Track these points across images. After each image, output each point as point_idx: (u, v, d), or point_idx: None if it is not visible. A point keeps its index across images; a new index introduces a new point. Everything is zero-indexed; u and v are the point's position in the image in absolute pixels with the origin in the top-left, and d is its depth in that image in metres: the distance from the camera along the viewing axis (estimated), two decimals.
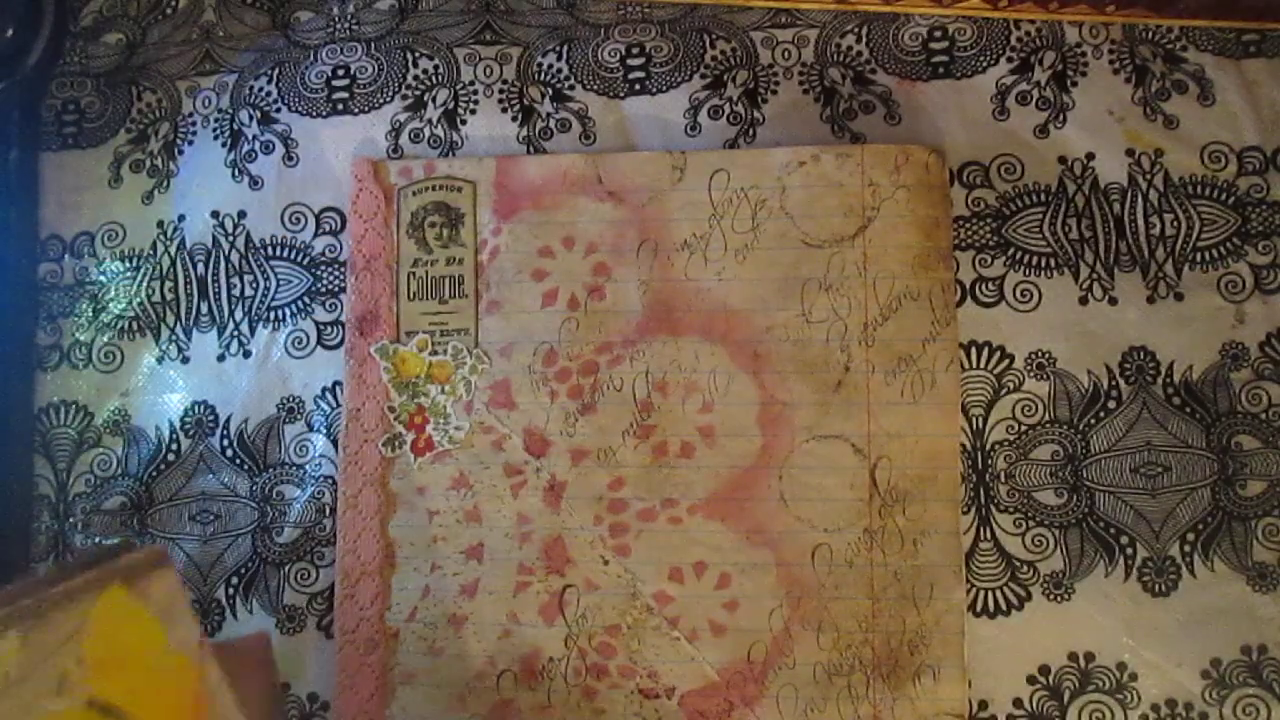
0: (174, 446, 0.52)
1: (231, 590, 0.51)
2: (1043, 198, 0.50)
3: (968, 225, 0.50)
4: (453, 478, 0.50)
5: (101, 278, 0.54)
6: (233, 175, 0.54)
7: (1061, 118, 0.50)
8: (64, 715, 0.33)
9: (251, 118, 0.54)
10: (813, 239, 0.49)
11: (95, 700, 0.33)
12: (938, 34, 0.51)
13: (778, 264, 0.49)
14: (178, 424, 0.53)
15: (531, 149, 0.52)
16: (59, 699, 0.33)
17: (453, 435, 0.50)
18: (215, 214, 0.54)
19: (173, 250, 0.54)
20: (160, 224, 0.54)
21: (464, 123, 0.53)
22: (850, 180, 0.49)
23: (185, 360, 0.53)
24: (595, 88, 0.52)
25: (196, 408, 0.53)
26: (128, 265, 0.54)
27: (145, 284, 0.54)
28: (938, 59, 0.51)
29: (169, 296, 0.54)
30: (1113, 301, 0.49)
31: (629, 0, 0.53)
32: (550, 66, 0.53)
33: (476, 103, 0.53)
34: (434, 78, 0.53)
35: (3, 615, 0.32)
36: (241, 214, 0.53)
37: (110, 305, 0.54)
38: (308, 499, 0.51)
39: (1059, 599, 0.47)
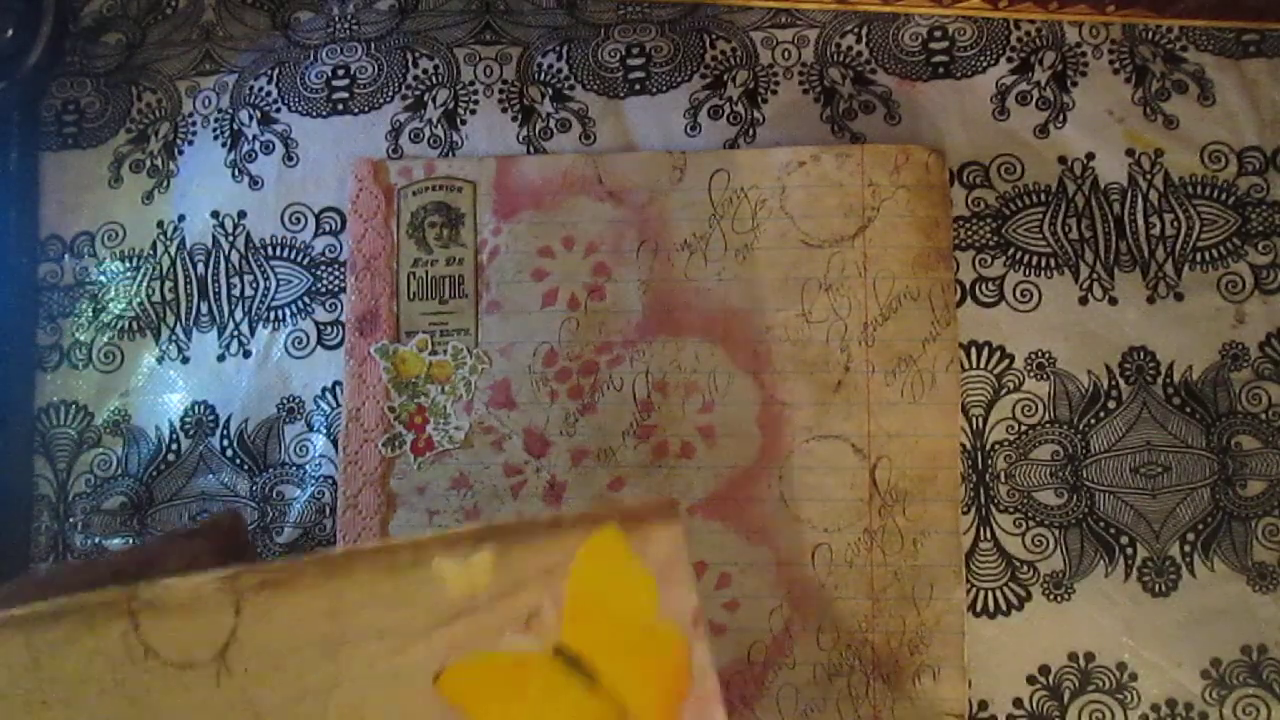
0: (174, 446, 0.53)
1: None
2: (1043, 198, 0.50)
3: (968, 225, 0.50)
4: (453, 478, 0.50)
5: (101, 278, 0.54)
6: (233, 175, 0.54)
7: (1061, 118, 0.50)
8: (527, 657, 0.30)
9: (251, 118, 0.54)
10: (813, 239, 0.49)
11: (563, 649, 0.30)
12: (938, 34, 0.51)
13: (778, 264, 0.49)
14: (178, 424, 0.53)
15: (531, 149, 0.52)
16: (525, 636, 0.30)
17: (453, 435, 0.50)
18: (215, 214, 0.54)
19: (173, 250, 0.54)
20: (160, 224, 0.54)
21: (464, 123, 0.53)
22: (850, 180, 0.49)
23: (185, 360, 0.53)
24: (595, 88, 0.52)
25: (196, 408, 0.53)
26: (128, 265, 0.54)
27: (145, 284, 0.54)
28: (938, 59, 0.51)
29: (169, 296, 0.54)
30: (1113, 301, 0.49)
31: (629, 0, 0.53)
32: (550, 66, 0.53)
33: (476, 103, 0.53)
34: (434, 78, 0.53)
35: (478, 530, 0.30)
36: (241, 214, 0.53)
37: (110, 305, 0.54)
38: (308, 499, 0.51)
39: (1059, 599, 0.47)
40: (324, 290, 0.52)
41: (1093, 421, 0.48)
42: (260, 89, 0.54)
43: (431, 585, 0.29)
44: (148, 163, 0.55)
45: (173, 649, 0.30)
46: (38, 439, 0.54)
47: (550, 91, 0.53)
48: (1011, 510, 0.48)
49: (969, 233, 0.50)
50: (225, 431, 0.52)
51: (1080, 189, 0.50)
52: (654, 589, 0.30)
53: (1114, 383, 0.48)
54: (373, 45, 0.54)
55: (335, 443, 0.51)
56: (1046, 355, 0.49)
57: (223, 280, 0.53)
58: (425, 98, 0.53)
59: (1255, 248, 0.49)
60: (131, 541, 0.52)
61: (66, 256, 0.55)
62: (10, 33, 0.54)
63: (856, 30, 0.52)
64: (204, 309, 0.53)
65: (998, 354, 0.49)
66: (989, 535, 0.48)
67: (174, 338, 0.53)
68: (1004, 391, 0.49)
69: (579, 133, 0.52)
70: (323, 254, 0.53)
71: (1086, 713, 0.47)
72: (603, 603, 0.30)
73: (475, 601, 0.29)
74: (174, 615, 0.30)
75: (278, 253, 0.53)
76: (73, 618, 0.30)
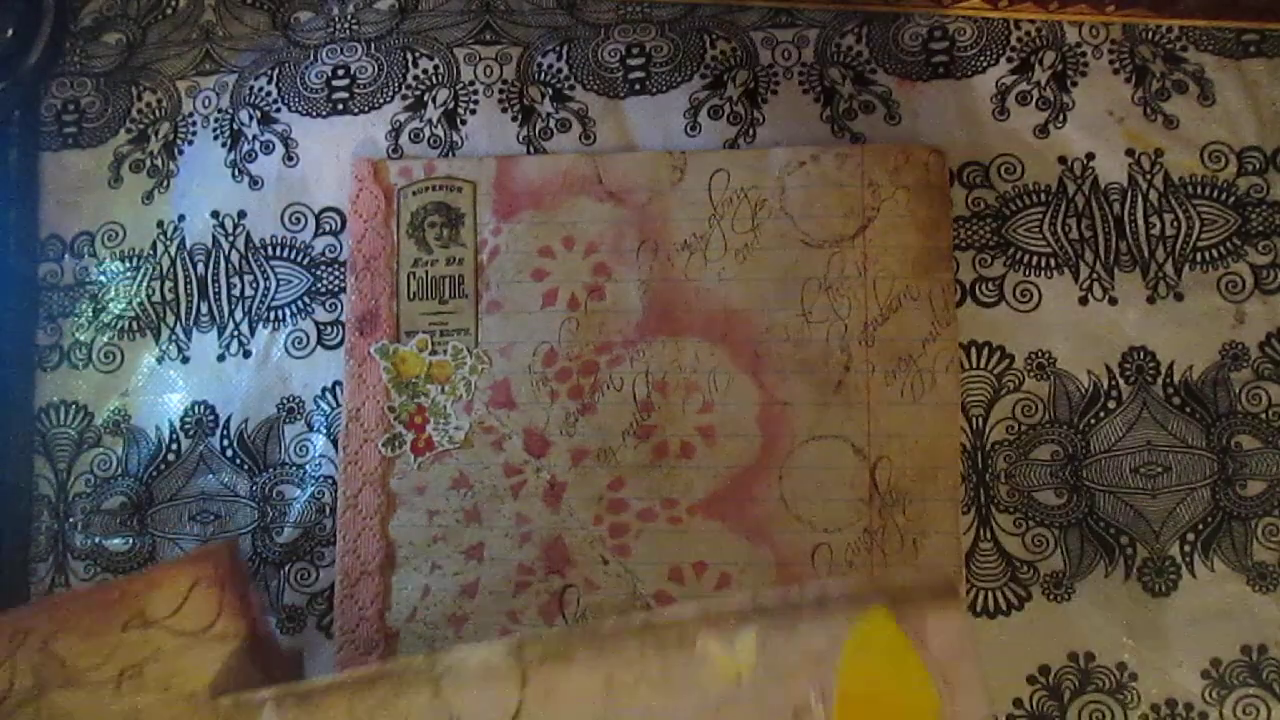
0: (174, 446, 0.53)
1: None
2: (1043, 198, 0.50)
3: (968, 225, 0.50)
4: (453, 478, 0.50)
5: (101, 278, 0.54)
6: (233, 175, 0.54)
7: (1061, 118, 0.50)
8: None
9: (251, 118, 0.54)
10: (813, 239, 0.49)
11: None
12: (938, 34, 0.51)
13: (778, 264, 0.49)
14: (178, 424, 0.53)
15: (531, 149, 0.52)
16: None
17: (453, 435, 0.50)
18: (215, 214, 0.54)
19: (173, 250, 0.54)
20: (160, 224, 0.54)
21: (464, 123, 0.53)
22: (850, 180, 0.49)
23: (185, 360, 0.53)
24: (595, 88, 0.52)
25: (196, 408, 0.53)
26: (128, 265, 0.54)
27: (145, 284, 0.54)
28: (938, 59, 0.51)
29: (169, 296, 0.54)
30: (1113, 301, 0.49)
31: (629, 0, 0.53)
32: (550, 66, 0.53)
33: (476, 103, 0.53)
34: (434, 78, 0.53)
35: (741, 609, 0.28)
36: (241, 214, 0.53)
37: (110, 305, 0.54)
38: (308, 499, 0.51)
39: (1059, 599, 0.47)
40: (324, 290, 0.52)
41: (1093, 421, 0.48)
42: (260, 89, 0.54)
43: (698, 665, 0.28)
44: (148, 163, 0.55)
45: (472, 716, 0.31)
46: (38, 439, 0.54)
47: (550, 91, 0.53)
48: (1011, 510, 0.48)
49: (969, 233, 0.50)
50: (225, 431, 0.52)
51: (1080, 189, 0.50)
52: (934, 691, 0.26)
53: (1114, 383, 0.48)
54: (373, 45, 0.54)
55: (335, 443, 0.51)
56: (1046, 355, 0.49)
57: (223, 280, 0.53)
58: (425, 98, 0.53)
59: (1255, 248, 0.49)
60: (131, 541, 0.52)
61: (66, 256, 0.55)
62: (10, 33, 0.54)
63: (856, 30, 0.52)
64: (204, 309, 0.53)
65: (998, 354, 0.49)
66: (989, 535, 0.48)
67: (174, 338, 0.53)
68: (1004, 391, 0.49)
69: (579, 133, 0.52)
70: (323, 254, 0.53)
71: (1086, 713, 0.47)
72: (876, 702, 0.27)
73: (740, 689, 0.27)
74: (470, 684, 0.32)
75: (278, 253, 0.53)
76: (385, 683, 0.33)
